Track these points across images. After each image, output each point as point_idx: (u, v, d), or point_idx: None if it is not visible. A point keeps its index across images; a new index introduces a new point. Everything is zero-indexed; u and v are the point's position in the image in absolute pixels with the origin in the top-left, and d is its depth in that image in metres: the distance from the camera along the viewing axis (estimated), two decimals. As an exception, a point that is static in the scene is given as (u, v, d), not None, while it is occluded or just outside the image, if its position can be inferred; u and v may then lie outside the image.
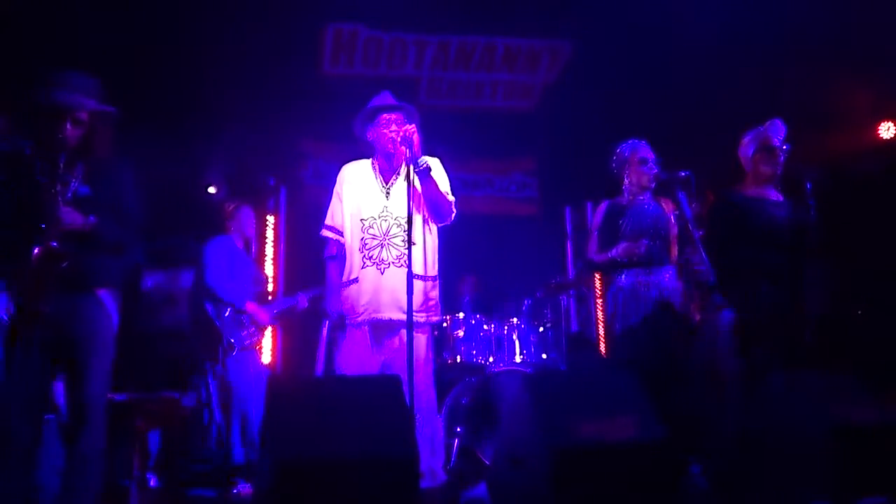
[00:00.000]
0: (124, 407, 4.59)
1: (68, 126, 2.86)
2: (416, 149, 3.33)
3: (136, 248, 3.07)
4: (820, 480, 2.67)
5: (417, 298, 3.40)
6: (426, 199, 3.51)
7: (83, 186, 2.88)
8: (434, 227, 3.61)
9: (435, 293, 3.54)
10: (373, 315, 3.41)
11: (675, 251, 3.96)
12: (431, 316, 3.53)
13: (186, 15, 5.20)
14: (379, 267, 3.43)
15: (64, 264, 2.72)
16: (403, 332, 3.24)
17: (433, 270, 3.55)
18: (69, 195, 2.82)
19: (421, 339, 3.46)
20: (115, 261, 3.00)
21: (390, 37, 5.95)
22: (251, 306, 4.57)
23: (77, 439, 2.81)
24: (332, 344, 3.79)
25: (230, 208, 4.86)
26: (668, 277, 3.87)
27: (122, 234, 2.96)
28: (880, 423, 2.83)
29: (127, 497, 3.91)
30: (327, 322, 3.93)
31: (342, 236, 3.59)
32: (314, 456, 2.22)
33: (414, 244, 3.21)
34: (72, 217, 2.77)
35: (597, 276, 7.03)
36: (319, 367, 4.07)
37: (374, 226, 3.49)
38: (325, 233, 3.66)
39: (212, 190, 6.26)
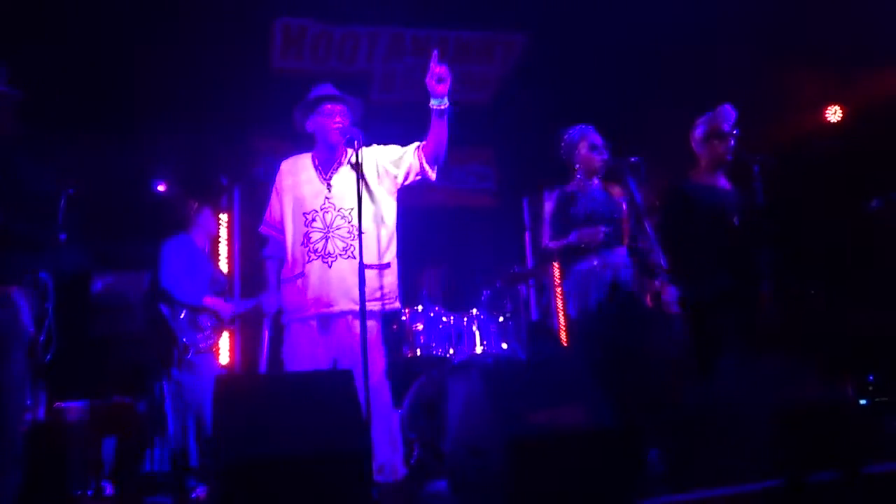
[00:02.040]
0: (77, 414, 4.50)
1: None
2: (444, 86, 3.24)
3: (61, 248, 2.94)
4: (772, 459, 2.71)
5: (367, 287, 3.31)
6: (439, 140, 3.38)
7: None
8: (389, 214, 3.49)
9: (389, 280, 3.43)
10: (322, 309, 3.34)
11: (626, 235, 3.99)
12: (387, 304, 3.42)
13: (134, 10, 5.08)
14: (325, 260, 3.37)
15: None
16: (354, 322, 3.19)
17: (387, 257, 3.45)
18: None
19: (372, 329, 3.31)
20: (26, 256, 2.87)
21: (342, 30, 5.88)
22: (210, 300, 4.49)
23: None
24: (274, 342, 3.71)
25: (194, 206, 4.76)
26: (621, 259, 3.89)
27: (31, 228, 2.84)
28: (830, 402, 2.89)
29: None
30: (266, 320, 3.84)
31: (281, 233, 3.54)
32: (265, 454, 2.18)
33: (364, 233, 3.14)
34: None
35: (555, 264, 7.06)
36: (262, 366, 3.99)
37: (318, 219, 3.43)
38: (264, 229, 3.65)
39: (161, 188, 6.13)
